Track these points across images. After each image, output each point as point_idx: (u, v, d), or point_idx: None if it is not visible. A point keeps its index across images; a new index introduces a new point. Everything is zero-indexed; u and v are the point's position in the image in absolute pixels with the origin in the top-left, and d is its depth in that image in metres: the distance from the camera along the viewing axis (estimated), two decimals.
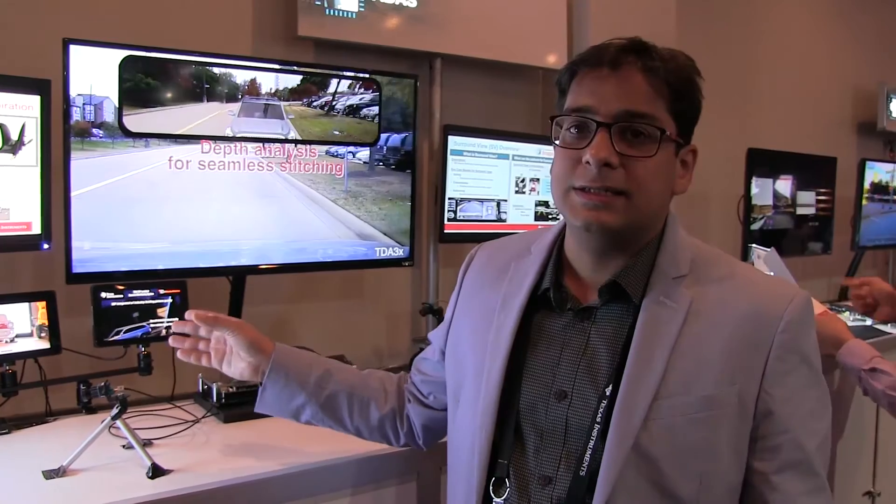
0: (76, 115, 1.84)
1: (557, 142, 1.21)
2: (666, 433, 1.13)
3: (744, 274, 1.25)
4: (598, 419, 1.16)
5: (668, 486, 1.13)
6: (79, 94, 1.84)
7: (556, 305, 1.25)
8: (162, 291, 2.00)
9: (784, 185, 3.86)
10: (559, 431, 1.20)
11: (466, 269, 1.46)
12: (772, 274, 2.57)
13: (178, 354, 1.51)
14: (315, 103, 2.19)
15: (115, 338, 1.94)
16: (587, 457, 1.16)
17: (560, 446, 1.19)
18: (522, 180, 2.83)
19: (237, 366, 1.49)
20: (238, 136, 2.07)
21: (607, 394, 1.16)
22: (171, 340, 1.51)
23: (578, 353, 1.21)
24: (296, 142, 2.17)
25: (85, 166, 1.86)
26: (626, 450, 1.12)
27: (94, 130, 1.86)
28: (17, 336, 1.85)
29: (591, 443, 1.16)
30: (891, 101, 4.77)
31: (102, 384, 1.70)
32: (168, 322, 1.99)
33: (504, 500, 1.22)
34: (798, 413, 1.17)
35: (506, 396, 1.24)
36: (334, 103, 2.23)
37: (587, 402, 1.18)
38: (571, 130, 1.19)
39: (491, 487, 1.23)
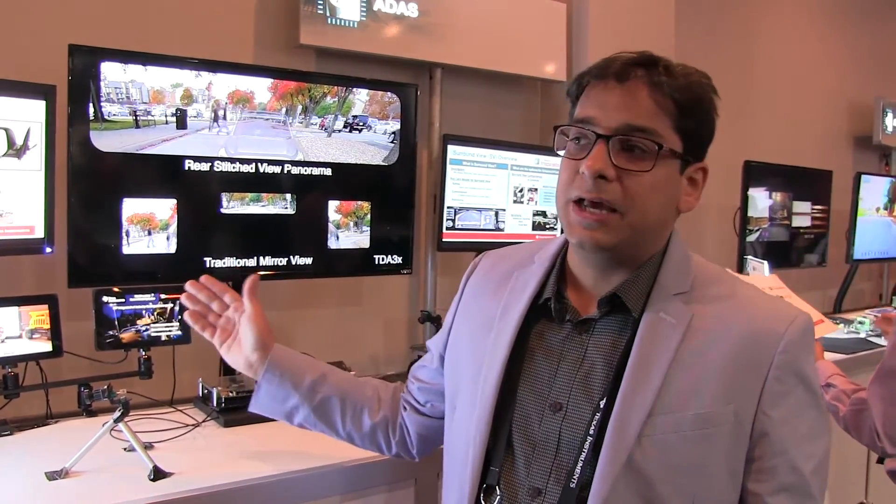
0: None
1: (561, 152, 1.20)
2: (659, 450, 1.12)
3: (745, 293, 1.23)
4: (592, 432, 1.15)
5: (660, 503, 1.13)
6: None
7: (556, 316, 1.25)
8: (163, 296, 2.01)
9: (780, 198, 3.89)
10: (552, 443, 1.19)
11: (470, 275, 1.44)
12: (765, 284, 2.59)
13: (185, 315, 1.47)
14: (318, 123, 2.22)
15: (116, 341, 1.95)
16: (578, 469, 1.15)
17: (551, 459, 1.19)
18: (521, 190, 2.85)
19: (235, 356, 1.46)
20: (235, 157, 2.10)
21: (601, 407, 1.16)
22: (183, 298, 1.47)
23: (576, 365, 1.21)
24: (301, 164, 2.21)
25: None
26: (620, 465, 1.11)
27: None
28: (7, 338, 1.86)
29: (584, 455, 1.15)
30: (886, 116, 4.80)
31: (105, 387, 1.71)
32: (168, 328, 2.01)
33: None
34: (795, 435, 1.15)
35: (501, 405, 1.24)
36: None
37: (582, 415, 1.17)
38: (574, 141, 1.19)
39: (482, 495, 1.23)
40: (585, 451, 1.15)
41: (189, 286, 1.47)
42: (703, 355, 1.15)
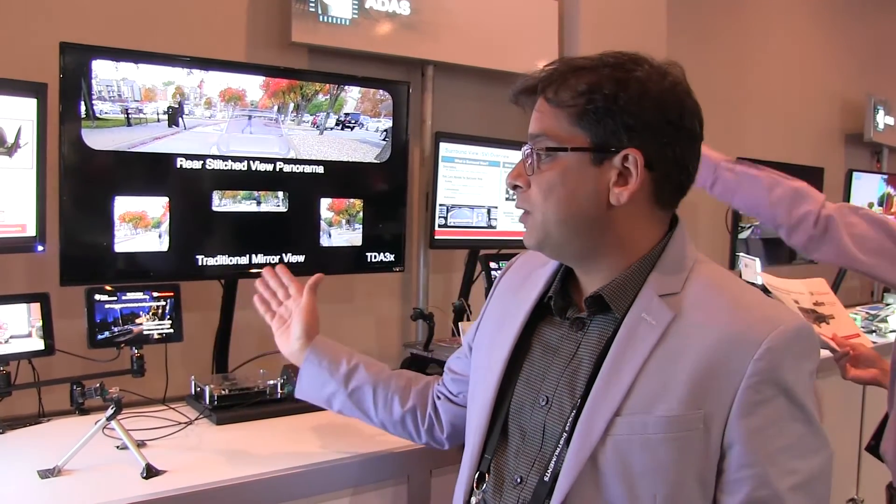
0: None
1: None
2: (621, 450, 1.12)
3: (739, 297, 1.19)
4: (567, 427, 1.18)
5: (618, 503, 1.13)
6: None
7: (555, 313, 1.29)
8: (155, 294, 2.01)
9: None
10: (538, 435, 1.23)
11: (504, 273, 1.51)
12: (759, 282, 2.59)
13: (255, 299, 1.71)
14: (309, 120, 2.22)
15: (109, 339, 1.95)
16: (552, 462, 1.18)
17: (537, 450, 1.23)
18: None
19: (283, 342, 1.66)
20: (227, 155, 2.10)
21: (578, 404, 1.18)
22: (257, 282, 1.72)
23: (566, 361, 1.24)
24: (293, 162, 2.21)
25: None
26: (583, 461, 1.13)
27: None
28: (11, 337, 1.86)
29: (558, 450, 1.18)
30: (878, 113, 4.82)
31: (97, 385, 1.71)
32: (160, 325, 2.01)
33: (482, 493, 1.27)
34: (768, 448, 1.10)
35: (502, 397, 1.30)
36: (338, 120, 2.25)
37: (563, 410, 1.21)
38: None
39: (475, 481, 1.29)
40: (560, 445, 1.18)
41: (265, 272, 1.71)
42: (677, 358, 1.13)
